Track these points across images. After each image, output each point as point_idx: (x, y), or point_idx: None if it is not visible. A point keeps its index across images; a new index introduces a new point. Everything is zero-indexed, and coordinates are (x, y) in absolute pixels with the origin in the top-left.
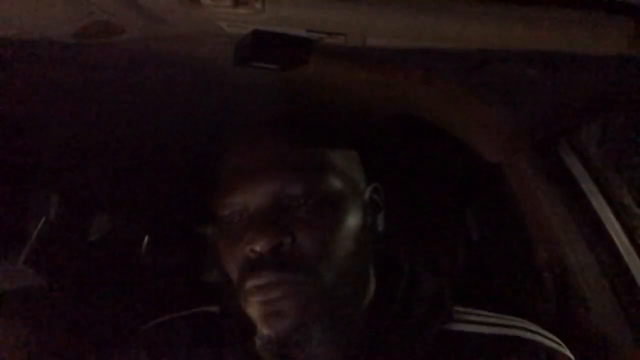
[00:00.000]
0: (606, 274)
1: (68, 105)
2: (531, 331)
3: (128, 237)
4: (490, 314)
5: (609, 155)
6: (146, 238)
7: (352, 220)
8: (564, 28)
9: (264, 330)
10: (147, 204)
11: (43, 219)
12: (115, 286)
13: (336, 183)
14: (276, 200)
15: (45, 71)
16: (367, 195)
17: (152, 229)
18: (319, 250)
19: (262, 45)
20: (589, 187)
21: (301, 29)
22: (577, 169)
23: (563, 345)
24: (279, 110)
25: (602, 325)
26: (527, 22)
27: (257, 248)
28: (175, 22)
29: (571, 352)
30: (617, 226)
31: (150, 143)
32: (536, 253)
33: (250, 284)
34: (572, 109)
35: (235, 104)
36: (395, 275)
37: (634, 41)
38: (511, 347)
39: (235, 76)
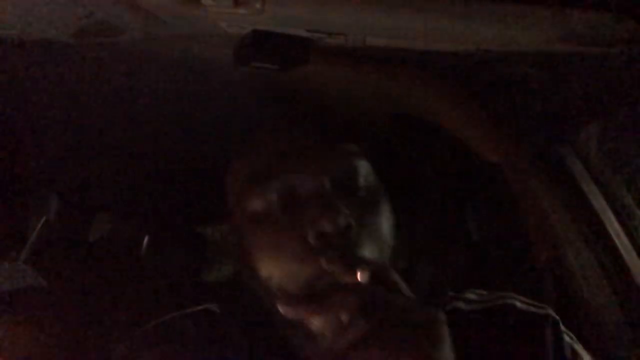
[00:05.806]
0: (606, 274)
1: (68, 105)
2: (515, 299)
3: (128, 237)
4: (481, 292)
5: (609, 155)
6: (146, 238)
7: (389, 209)
8: (564, 28)
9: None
10: (147, 204)
11: (43, 219)
12: (115, 286)
13: (369, 171)
14: (327, 186)
15: (45, 71)
16: None
17: (152, 229)
18: (378, 237)
19: (262, 45)
20: (589, 187)
21: (301, 29)
22: (577, 169)
23: (546, 307)
24: (285, 110)
25: (602, 325)
26: (527, 22)
27: (327, 228)
28: (175, 22)
29: None
30: (617, 226)
31: (150, 143)
32: (536, 253)
33: (327, 267)
34: (572, 109)
35: (235, 104)
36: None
37: (634, 41)
38: (499, 316)
39: (235, 76)
